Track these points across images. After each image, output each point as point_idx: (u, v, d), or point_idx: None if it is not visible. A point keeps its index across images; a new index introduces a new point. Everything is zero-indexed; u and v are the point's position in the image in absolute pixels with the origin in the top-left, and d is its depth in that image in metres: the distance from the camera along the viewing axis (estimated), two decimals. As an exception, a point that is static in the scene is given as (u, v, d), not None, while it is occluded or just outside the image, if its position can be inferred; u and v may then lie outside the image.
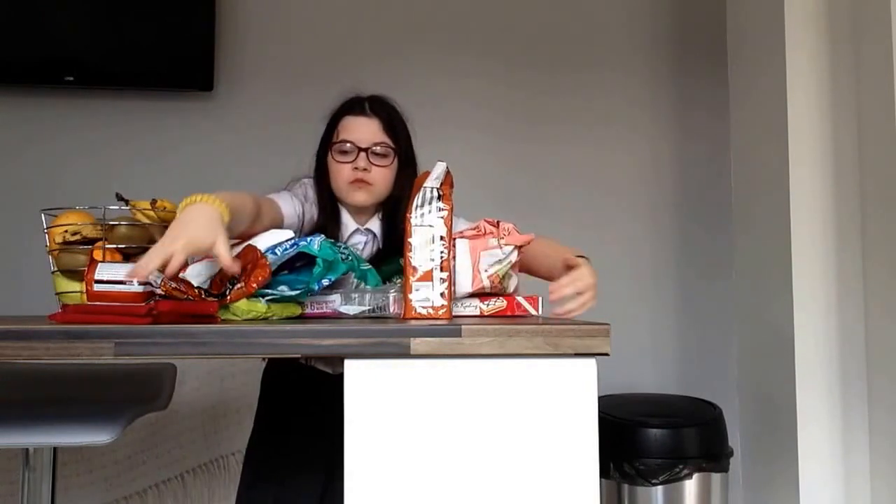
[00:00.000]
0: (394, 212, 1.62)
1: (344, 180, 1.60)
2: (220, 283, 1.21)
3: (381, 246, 1.64)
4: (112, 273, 1.16)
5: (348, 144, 1.59)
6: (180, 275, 1.26)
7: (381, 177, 1.61)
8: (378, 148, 1.60)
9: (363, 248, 1.64)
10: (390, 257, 1.55)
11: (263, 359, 1.65)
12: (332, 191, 1.63)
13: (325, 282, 1.26)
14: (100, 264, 1.19)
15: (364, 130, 1.60)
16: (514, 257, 1.34)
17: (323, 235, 1.31)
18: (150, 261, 1.10)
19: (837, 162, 2.23)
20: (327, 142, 1.65)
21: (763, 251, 2.39)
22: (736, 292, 2.62)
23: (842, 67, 2.22)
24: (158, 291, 1.18)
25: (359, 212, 1.66)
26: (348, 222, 1.65)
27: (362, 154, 1.59)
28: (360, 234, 1.65)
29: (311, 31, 2.78)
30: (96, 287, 1.15)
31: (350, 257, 1.36)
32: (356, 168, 1.58)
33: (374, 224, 1.66)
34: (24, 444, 1.39)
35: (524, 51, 2.85)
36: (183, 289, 1.18)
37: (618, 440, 2.25)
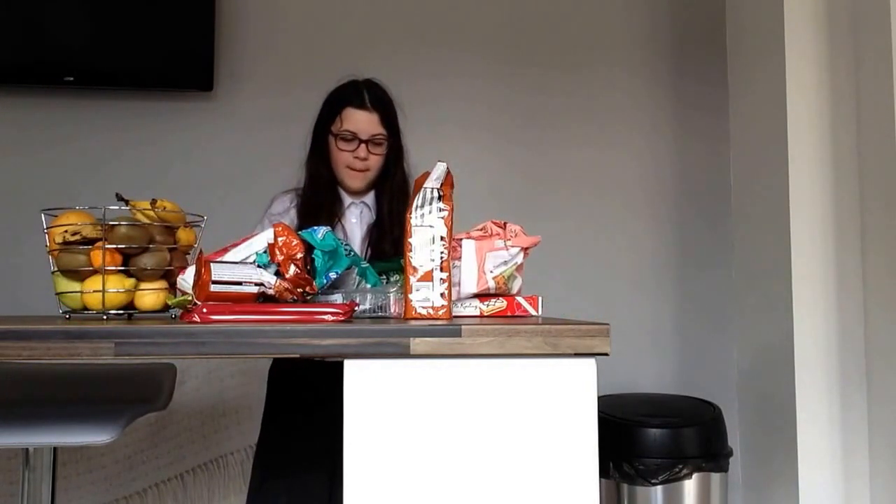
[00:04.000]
0: (382, 180, 1.86)
1: (344, 166, 1.82)
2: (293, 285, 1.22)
3: (374, 215, 1.86)
4: (228, 274, 1.16)
5: (351, 135, 1.79)
6: (180, 276, 1.26)
7: (377, 162, 1.84)
8: (377, 139, 1.81)
9: (360, 217, 1.85)
10: (389, 254, 1.58)
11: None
12: (330, 168, 1.84)
13: (332, 275, 1.28)
14: (213, 265, 1.17)
15: (365, 123, 1.81)
16: (519, 259, 1.35)
17: (329, 228, 1.34)
18: None
19: (837, 160, 2.23)
20: (326, 122, 1.84)
21: (763, 251, 2.39)
22: (735, 293, 2.62)
23: (841, 66, 2.22)
24: (270, 292, 1.19)
25: (354, 189, 1.87)
26: (345, 197, 1.87)
27: (363, 145, 1.80)
28: (356, 206, 1.87)
29: (311, 31, 2.78)
30: (213, 288, 1.14)
31: (352, 252, 1.37)
32: (357, 157, 1.80)
33: (368, 197, 1.88)
34: (24, 444, 1.39)
35: (524, 50, 2.85)
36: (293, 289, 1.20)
37: (617, 440, 2.25)
